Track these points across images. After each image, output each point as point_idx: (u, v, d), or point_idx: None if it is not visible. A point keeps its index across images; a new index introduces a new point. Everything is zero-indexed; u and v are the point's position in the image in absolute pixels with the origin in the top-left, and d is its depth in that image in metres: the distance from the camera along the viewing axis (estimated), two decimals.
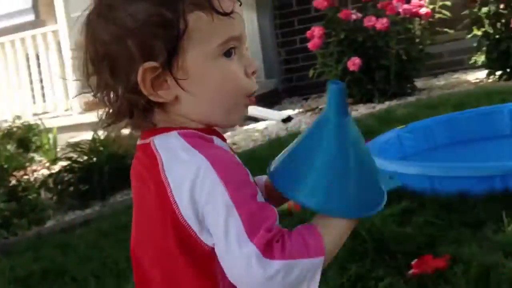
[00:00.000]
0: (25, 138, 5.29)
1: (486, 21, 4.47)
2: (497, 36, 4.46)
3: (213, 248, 0.72)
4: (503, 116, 3.03)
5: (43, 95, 6.27)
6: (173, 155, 0.73)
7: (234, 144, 4.10)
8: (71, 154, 3.88)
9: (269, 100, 5.84)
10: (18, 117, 5.70)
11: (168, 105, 0.76)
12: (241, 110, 0.79)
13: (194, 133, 0.75)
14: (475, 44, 4.64)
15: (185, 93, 0.74)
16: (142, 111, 0.76)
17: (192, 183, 0.70)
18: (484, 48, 4.54)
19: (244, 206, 0.69)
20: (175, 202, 0.71)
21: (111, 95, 0.76)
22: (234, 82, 0.75)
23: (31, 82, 6.22)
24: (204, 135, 0.76)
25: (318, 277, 0.71)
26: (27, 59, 6.20)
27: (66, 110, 5.95)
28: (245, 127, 4.70)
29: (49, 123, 5.48)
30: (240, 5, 0.76)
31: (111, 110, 0.78)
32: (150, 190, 0.74)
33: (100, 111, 0.79)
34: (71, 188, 3.69)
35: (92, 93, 0.78)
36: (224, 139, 0.79)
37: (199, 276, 0.73)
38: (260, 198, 0.72)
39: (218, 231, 0.70)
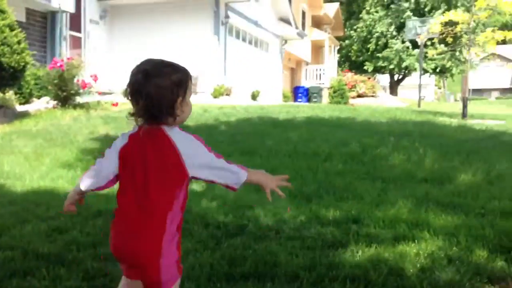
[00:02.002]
0: None
1: None
2: None
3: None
4: None
5: None
6: (177, 133, 1.82)
7: None
8: None
9: None
10: None
11: (177, 116, 1.82)
12: None
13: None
14: None
15: (182, 112, 1.83)
16: (173, 118, 1.81)
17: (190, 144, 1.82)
18: None
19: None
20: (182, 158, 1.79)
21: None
22: (190, 108, 1.89)
23: None
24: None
25: None
26: None
27: None
28: None
29: None
30: None
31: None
32: (164, 154, 1.80)
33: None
34: None
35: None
36: None
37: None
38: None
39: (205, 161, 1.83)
